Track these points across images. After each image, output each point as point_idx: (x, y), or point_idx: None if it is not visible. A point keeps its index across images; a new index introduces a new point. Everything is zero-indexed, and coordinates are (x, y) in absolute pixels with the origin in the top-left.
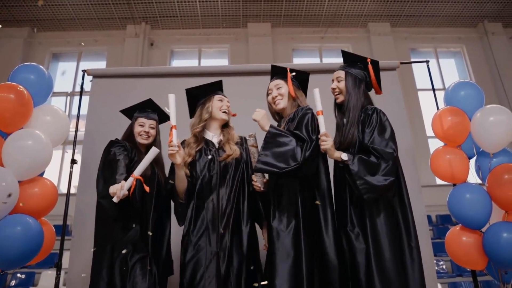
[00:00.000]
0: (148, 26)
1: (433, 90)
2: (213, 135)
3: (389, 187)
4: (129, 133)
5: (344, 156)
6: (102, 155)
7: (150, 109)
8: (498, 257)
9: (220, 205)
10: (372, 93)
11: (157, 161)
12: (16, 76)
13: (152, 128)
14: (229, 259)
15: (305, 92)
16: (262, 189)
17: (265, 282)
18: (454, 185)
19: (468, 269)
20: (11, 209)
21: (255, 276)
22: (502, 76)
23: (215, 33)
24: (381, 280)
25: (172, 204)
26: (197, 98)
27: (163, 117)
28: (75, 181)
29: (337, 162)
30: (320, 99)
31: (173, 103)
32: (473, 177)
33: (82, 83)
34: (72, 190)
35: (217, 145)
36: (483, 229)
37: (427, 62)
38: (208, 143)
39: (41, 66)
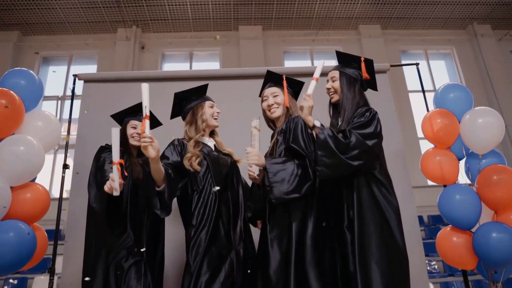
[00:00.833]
0: (139, 29)
1: (423, 92)
2: (208, 140)
3: (346, 170)
4: (121, 137)
5: (317, 122)
6: (93, 161)
7: (141, 112)
8: (488, 256)
9: (240, 200)
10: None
11: (149, 164)
12: (7, 81)
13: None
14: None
15: (297, 100)
16: (257, 177)
17: None
18: (445, 186)
19: (459, 269)
20: (3, 215)
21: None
22: (492, 77)
23: (206, 36)
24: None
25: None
26: (184, 101)
27: (155, 123)
28: (67, 185)
29: None
30: (320, 70)
31: (146, 93)
32: (463, 178)
33: (74, 88)
34: (64, 195)
35: (213, 148)
36: (473, 230)
37: (417, 64)
38: (206, 146)
39: (31, 71)
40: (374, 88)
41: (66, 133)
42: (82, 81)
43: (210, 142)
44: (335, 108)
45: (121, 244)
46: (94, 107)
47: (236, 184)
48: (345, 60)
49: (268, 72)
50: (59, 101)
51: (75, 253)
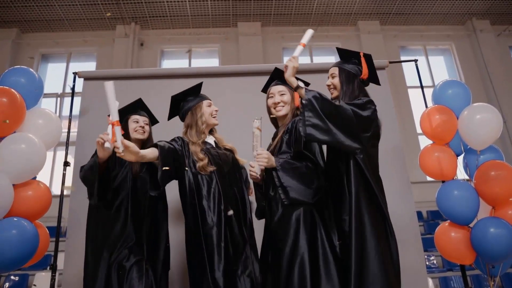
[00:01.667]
0: (138, 26)
1: (422, 88)
2: (208, 137)
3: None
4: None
5: (301, 83)
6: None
7: (141, 109)
8: (485, 251)
9: (246, 195)
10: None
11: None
12: (7, 80)
13: (146, 124)
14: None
15: None
16: (258, 177)
17: None
18: (443, 182)
19: (458, 264)
20: (5, 213)
21: None
22: (490, 73)
23: (205, 33)
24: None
25: (171, 202)
26: (181, 102)
27: (153, 119)
28: (68, 183)
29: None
30: (309, 38)
31: (112, 93)
32: (461, 174)
33: (74, 86)
34: (65, 192)
35: (214, 145)
36: (471, 225)
37: (416, 61)
38: (206, 143)
39: (31, 69)
40: (377, 82)
41: (66, 130)
42: (81, 79)
43: (210, 139)
44: None
45: (122, 244)
46: (94, 104)
47: (240, 180)
48: (345, 56)
49: (276, 69)
50: (58, 98)
51: (76, 250)
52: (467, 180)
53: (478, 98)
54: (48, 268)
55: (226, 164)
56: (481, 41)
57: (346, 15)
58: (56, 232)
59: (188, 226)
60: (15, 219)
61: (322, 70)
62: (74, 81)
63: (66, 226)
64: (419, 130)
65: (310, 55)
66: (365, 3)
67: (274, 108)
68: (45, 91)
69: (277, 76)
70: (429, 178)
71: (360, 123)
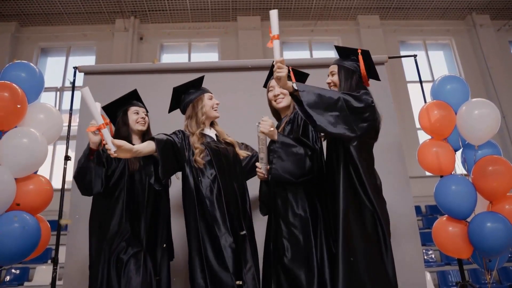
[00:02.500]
0: (137, 20)
1: (421, 84)
2: (209, 131)
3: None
4: (123, 126)
5: (295, 85)
6: None
7: (136, 99)
8: (482, 245)
9: (245, 189)
10: None
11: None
12: (7, 74)
13: (146, 115)
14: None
15: None
16: (265, 176)
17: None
18: (441, 176)
19: (455, 258)
20: (7, 207)
21: None
22: (490, 68)
23: (205, 27)
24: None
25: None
26: (182, 94)
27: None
28: (68, 176)
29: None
30: (277, 22)
31: (91, 98)
32: (459, 169)
33: (74, 81)
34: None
35: (215, 138)
36: (468, 219)
37: (415, 56)
38: (207, 136)
39: (32, 64)
40: (376, 78)
41: (67, 125)
42: (82, 74)
43: (212, 133)
44: None
45: (119, 237)
46: (94, 99)
47: (240, 174)
48: (344, 54)
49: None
50: (58, 92)
51: (77, 244)
52: (465, 175)
53: (478, 93)
54: (49, 261)
55: (227, 158)
56: (481, 36)
57: (346, 9)
58: (58, 226)
59: (188, 220)
60: (17, 212)
61: (322, 65)
62: (74, 75)
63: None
64: (418, 125)
65: (310, 50)
66: None
67: (275, 101)
68: (45, 85)
69: None
70: (428, 173)
71: (352, 113)
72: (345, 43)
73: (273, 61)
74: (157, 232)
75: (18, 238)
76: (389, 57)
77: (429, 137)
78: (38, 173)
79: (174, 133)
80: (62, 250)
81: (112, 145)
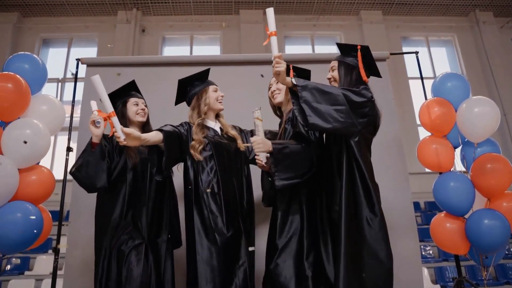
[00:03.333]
0: (140, 12)
1: (422, 80)
2: (214, 124)
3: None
4: (122, 118)
5: (294, 80)
6: None
7: (135, 91)
8: (479, 242)
9: (244, 184)
10: None
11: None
12: (11, 66)
13: (145, 106)
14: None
15: None
16: (265, 165)
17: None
18: (441, 173)
19: (453, 254)
20: (11, 197)
21: None
22: (492, 65)
23: (207, 20)
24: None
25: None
26: (188, 86)
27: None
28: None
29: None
30: (274, 20)
31: (101, 86)
32: (458, 166)
33: (76, 72)
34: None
35: (219, 132)
36: (466, 216)
37: (417, 53)
38: (210, 129)
39: (35, 55)
40: (377, 74)
41: (69, 116)
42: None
43: (216, 126)
44: None
45: (121, 230)
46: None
47: (240, 169)
48: (345, 50)
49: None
50: (59, 84)
51: (78, 234)
52: (464, 172)
53: (479, 90)
54: (51, 251)
55: (228, 153)
56: (484, 33)
57: (349, 4)
58: (59, 217)
59: (186, 211)
60: (20, 202)
61: (324, 60)
62: (77, 67)
63: (68, 210)
64: (419, 122)
65: (312, 45)
66: None
67: (272, 97)
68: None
69: None
70: (427, 169)
71: (352, 107)
72: (347, 38)
73: (272, 57)
74: (161, 223)
75: (20, 227)
76: (391, 54)
77: (430, 134)
78: (39, 163)
79: (180, 124)
80: (63, 240)
81: (122, 133)
